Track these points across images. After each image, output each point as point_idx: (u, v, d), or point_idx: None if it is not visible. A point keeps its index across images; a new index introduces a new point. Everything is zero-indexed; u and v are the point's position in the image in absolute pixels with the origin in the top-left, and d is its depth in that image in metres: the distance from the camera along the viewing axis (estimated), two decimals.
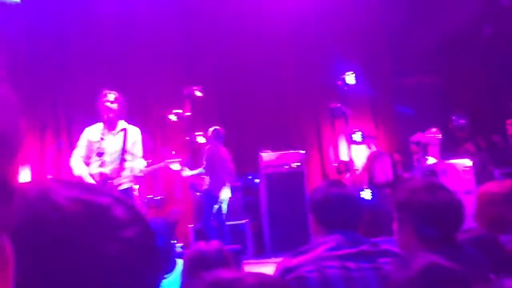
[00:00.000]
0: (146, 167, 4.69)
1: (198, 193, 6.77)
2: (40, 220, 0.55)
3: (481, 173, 7.17)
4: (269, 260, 5.84)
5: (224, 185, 6.25)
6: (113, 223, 0.58)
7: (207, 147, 6.40)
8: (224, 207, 6.26)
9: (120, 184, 4.41)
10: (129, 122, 4.65)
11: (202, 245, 2.14)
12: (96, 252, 0.56)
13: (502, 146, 7.39)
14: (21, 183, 0.57)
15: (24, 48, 7.35)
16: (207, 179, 6.26)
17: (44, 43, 7.42)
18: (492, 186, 2.36)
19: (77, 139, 4.64)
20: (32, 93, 7.28)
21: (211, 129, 6.40)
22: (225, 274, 0.98)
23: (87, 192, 0.60)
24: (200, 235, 6.42)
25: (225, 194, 6.27)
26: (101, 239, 0.57)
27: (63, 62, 7.63)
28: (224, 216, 6.27)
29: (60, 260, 0.54)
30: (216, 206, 6.16)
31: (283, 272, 1.73)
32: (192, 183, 6.88)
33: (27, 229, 0.54)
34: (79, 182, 0.66)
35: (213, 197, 6.17)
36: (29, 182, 0.62)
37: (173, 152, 5.40)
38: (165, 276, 2.44)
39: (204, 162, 6.29)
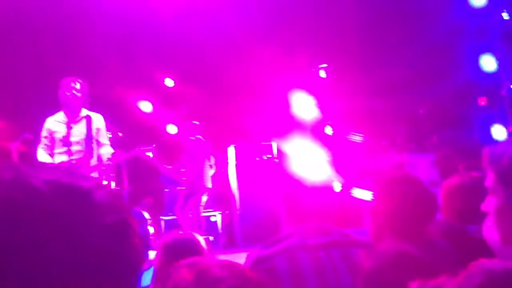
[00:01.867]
0: (114, 154, 4.57)
1: (167, 190, 6.77)
2: (18, 204, 0.52)
3: (445, 166, 7.37)
4: (240, 252, 5.85)
5: (205, 176, 6.26)
6: (94, 208, 0.56)
7: (187, 140, 6.39)
8: (204, 199, 6.33)
9: (90, 171, 4.31)
10: (97, 110, 4.55)
11: (176, 234, 2.11)
12: (77, 237, 0.53)
13: (466, 139, 7.61)
14: None
15: None
16: (187, 171, 6.26)
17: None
18: (459, 178, 2.41)
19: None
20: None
21: (190, 123, 6.44)
22: (202, 261, 0.96)
23: (67, 175, 0.57)
24: (172, 227, 6.41)
25: (206, 185, 6.29)
26: (82, 224, 0.54)
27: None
28: (201, 208, 6.33)
29: (39, 245, 0.51)
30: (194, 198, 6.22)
31: (254, 262, 1.72)
32: (165, 175, 6.85)
33: (4, 213, 0.51)
34: (58, 166, 0.63)
35: (193, 188, 6.21)
36: (2, 166, 0.58)
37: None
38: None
39: (184, 155, 6.32)
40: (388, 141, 8.30)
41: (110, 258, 0.55)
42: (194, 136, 6.38)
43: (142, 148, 5.09)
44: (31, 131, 5.57)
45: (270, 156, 7.38)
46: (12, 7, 6.85)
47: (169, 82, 7.58)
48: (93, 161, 4.35)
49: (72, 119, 4.36)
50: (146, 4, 7.63)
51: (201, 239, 2.09)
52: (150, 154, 5.20)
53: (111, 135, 4.81)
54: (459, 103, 7.86)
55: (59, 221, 0.53)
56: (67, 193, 0.55)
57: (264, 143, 7.51)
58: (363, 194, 6.71)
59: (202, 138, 6.46)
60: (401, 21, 7.97)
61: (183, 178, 6.34)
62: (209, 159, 6.51)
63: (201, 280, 0.88)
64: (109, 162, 4.45)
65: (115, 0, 7.52)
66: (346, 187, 7.12)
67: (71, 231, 0.53)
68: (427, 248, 1.57)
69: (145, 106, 7.19)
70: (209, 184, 6.41)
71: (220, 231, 6.91)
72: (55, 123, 4.40)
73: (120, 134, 4.76)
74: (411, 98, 8.14)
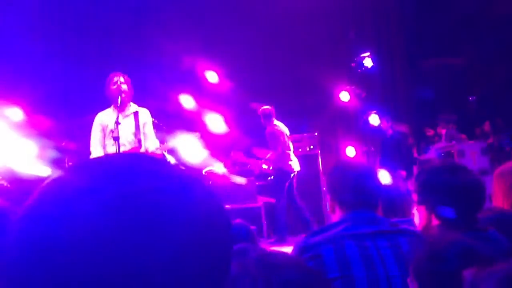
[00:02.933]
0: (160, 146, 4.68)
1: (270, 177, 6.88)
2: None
3: (497, 153, 7.10)
4: (285, 243, 5.87)
5: (291, 159, 6.32)
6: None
7: (267, 127, 6.43)
8: (293, 183, 6.34)
9: None
10: (141, 104, 4.69)
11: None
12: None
13: None
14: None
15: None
16: (273, 158, 6.32)
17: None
18: (511, 164, 2.32)
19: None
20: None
21: (261, 109, 6.49)
22: (252, 248, 0.98)
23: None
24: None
25: (296, 167, 6.33)
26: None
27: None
28: (295, 192, 6.31)
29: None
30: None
31: (301, 250, 1.74)
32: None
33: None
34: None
35: (285, 173, 6.23)
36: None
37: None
38: None
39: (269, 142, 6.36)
40: (438, 130, 8.06)
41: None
42: (270, 122, 6.41)
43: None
44: (80, 129, 5.81)
45: (312, 147, 7.36)
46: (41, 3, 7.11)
47: (212, 77, 7.66)
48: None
49: (121, 112, 4.51)
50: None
51: (250, 228, 2.13)
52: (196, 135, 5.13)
53: (155, 130, 4.94)
54: (510, 89, 7.52)
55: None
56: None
57: (307, 134, 7.50)
58: (408, 184, 6.56)
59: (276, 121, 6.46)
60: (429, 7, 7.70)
61: (271, 167, 6.44)
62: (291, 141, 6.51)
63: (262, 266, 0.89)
64: (159, 151, 4.58)
65: None
66: (394, 177, 6.99)
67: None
68: (478, 237, 1.53)
69: (187, 101, 7.31)
70: (298, 166, 6.37)
71: (263, 221, 6.96)
72: (105, 118, 4.57)
73: (164, 127, 4.88)
74: (461, 85, 7.87)
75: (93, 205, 0.48)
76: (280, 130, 6.41)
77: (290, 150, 6.44)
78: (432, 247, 1.26)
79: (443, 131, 7.89)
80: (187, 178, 0.55)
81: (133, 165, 0.54)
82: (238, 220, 2.19)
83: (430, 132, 8.35)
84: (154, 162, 0.55)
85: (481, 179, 1.80)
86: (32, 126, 6.29)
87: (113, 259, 0.46)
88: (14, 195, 5.04)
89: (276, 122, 6.51)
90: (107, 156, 0.58)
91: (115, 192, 0.49)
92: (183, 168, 0.57)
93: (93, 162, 0.56)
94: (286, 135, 6.48)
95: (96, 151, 4.52)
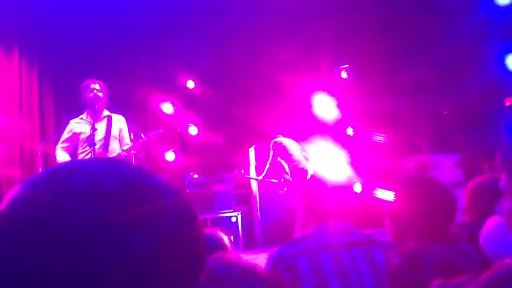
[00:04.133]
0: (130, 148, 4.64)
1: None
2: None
3: (470, 166, 7.24)
4: (260, 253, 5.85)
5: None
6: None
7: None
8: None
9: None
10: (118, 112, 4.69)
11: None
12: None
13: (491, 139, 7.47)
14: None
15: None
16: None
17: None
18: (483, 179, 2.38)
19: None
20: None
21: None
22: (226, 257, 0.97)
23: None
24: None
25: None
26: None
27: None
28: None
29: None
30: None
31: (275, 262, 1.73)
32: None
33: None
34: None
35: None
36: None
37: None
38: None
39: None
40: (411, 142, 8.19)
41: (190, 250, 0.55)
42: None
43: (152, 133, 4.88)
44: (55, 132, 5.72)
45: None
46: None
47: (190, 84, 7.64)
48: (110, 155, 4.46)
49: (96, 119, 4.48)
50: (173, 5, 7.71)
51: (225, 237, 2.11)
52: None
53: (133, 136, 4.90)
54: (484, 103, 7.70)
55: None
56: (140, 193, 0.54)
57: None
58: (385, 195, 6.63)
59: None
60: (424, 20, 7.86)
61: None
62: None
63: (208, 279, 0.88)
64: (125, 153, 4.54)
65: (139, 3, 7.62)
66: (368, 188, 7.07)
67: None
68: (450, 249, 1.55)
69: (167, 108, 7.27)
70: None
71: (240, 231, 6.93)
72: (79, 124, 4.53)
73: (142, 135, 4.84)
74: (435, 98, 8.03)
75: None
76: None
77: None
78: (409, 258, 1.28)
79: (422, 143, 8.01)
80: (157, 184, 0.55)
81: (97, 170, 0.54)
82: (212, 230, 2.18)
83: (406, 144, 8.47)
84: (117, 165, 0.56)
85: (452, 192, 1.83)
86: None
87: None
88: None
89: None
90: (73, 163, 0.57)
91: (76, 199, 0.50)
92: (152, 173, 0.57)
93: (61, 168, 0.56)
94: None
95: (59, 155, 4.54)
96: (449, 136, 8.02)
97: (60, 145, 4.57)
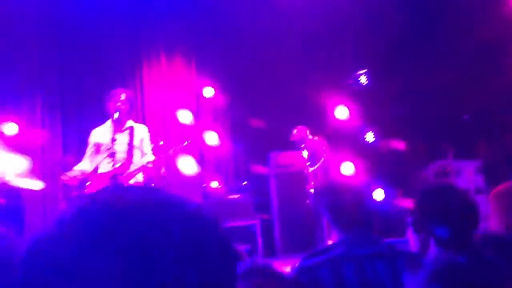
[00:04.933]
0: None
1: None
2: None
3: (492, 173, 7.11)
4: (279, 261, 5.82)
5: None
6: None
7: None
8: None
9: (130, 178, 4.43)
10: (139, 120, 4.72)
11: None
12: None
13: None
14: None
15: None
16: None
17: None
18: (508, 186, 2.32)
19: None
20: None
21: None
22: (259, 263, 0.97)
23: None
24: None
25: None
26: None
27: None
28: None
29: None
30: None
31: (299, 272, 1.73)
32: None
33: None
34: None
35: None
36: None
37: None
38: None
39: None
40: (433, 148, 8.07)
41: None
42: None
43: (179, 147, 4.90)
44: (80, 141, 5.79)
45: (309, 163, 7.34)
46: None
47: (208, 91, 7.69)
48: (133, 166, 4.47)
49: (118, 129, 4.51)
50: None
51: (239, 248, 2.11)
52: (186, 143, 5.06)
53: (153, 145, 4.92)
54: (506, 108, 7.56)
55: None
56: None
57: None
58: (404, 203, 6.55)
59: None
60: (445, 23, 7.77)
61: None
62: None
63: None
64: (150, 165, 4.56)
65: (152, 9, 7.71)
66: (390, 196, 6.98)
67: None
68: (473, 258, 1.52)
69: (185, 116, 7.30)
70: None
71: (259, 240, 6.91)
72: (101, 133, 4.58)
73: (161, 142, 4.86)
74: (456, 103, 7.91)
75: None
76: None
77: None
78: (431, 269, 1.26)
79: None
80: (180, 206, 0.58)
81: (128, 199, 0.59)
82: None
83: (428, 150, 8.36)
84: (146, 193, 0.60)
85: (475, 200, 1.79)
86: (28, 140, 6.27)
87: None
88: (7, 209, 5.00)
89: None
90: (105, 191, 0.60)
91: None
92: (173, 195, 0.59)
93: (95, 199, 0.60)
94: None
95: (83, 163, 4.57)
96: (470, 142, 7.88)
97: (86, 154, 4.62)
